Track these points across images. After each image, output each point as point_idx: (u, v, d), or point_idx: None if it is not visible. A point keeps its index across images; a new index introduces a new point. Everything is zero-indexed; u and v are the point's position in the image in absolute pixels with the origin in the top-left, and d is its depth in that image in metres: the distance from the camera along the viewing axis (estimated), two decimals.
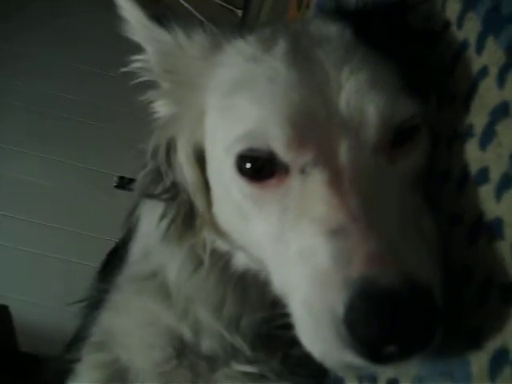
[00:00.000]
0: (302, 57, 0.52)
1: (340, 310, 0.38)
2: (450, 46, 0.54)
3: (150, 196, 0.64)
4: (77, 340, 0.75)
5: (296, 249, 0.46)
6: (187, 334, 0.66)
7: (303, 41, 0.54)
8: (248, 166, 0.51)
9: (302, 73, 0.51)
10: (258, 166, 0.50)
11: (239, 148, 0.51)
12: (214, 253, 0.62)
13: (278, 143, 0.48)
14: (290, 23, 0.74)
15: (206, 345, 0.66)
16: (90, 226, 2.34)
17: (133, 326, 0.69)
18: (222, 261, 0.62)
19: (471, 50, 0.51)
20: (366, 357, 0.38)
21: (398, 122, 0.50)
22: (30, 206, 2.36)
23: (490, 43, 0.48)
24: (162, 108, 0.64)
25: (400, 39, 0.56)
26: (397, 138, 0.50)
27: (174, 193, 0.62)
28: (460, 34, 0.54)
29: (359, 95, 0.49)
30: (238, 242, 0.59)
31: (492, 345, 0.39)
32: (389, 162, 0.49)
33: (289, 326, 0.46)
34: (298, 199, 0.48)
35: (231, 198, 0.54)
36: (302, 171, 0.49)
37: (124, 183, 2.36)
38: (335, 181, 0.46)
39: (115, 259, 0.79)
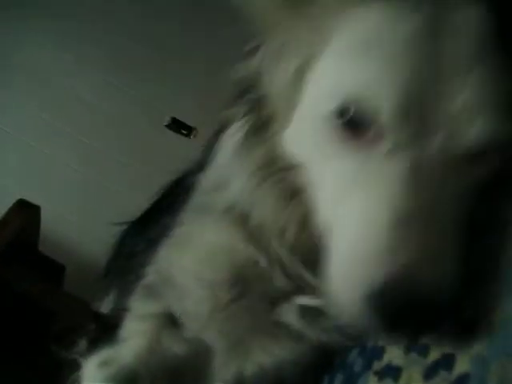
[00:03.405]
0: (438, 35, 0.51)
1: (375, 284, 0.46)
2: None
3: (236, 100, 0.67)
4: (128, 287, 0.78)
5: (359, 208, 0.52)
6: (263, 264, 0.66)
7: (444, 19, 0.52)
8: (346, 115, 0.53)
9: (433, 53, 0.51)
10: (355, 119, 0.52)
11: (347, 100, 0.53)
12: (277, 166, 0.64)
13: (386, 109, 0.51)
14: None
15: (277, 276, 0.66)
16: (131, 156, 2.37)
17: (190, 263, 0.70)
18: (283, 175, 0.64)
19: None
20: (381, 321, 0.47)
21: (492, 146, 0.51)
22: (81, 123, 2.37)
23: None
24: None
25: None
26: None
27: (255, 104, 0.64)
28: None
29: (475, 106, 0.50)
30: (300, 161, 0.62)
31: None
32: (457, 174, 0.52)
33: None
34: (377, 167, 0.52)
35: (316, 132, 0.57)
36: (393, 145, 0.51)
37: (175, 125, 2.37)
38: (416, 170, 0.50)
39: (176, 190, 0.82)
